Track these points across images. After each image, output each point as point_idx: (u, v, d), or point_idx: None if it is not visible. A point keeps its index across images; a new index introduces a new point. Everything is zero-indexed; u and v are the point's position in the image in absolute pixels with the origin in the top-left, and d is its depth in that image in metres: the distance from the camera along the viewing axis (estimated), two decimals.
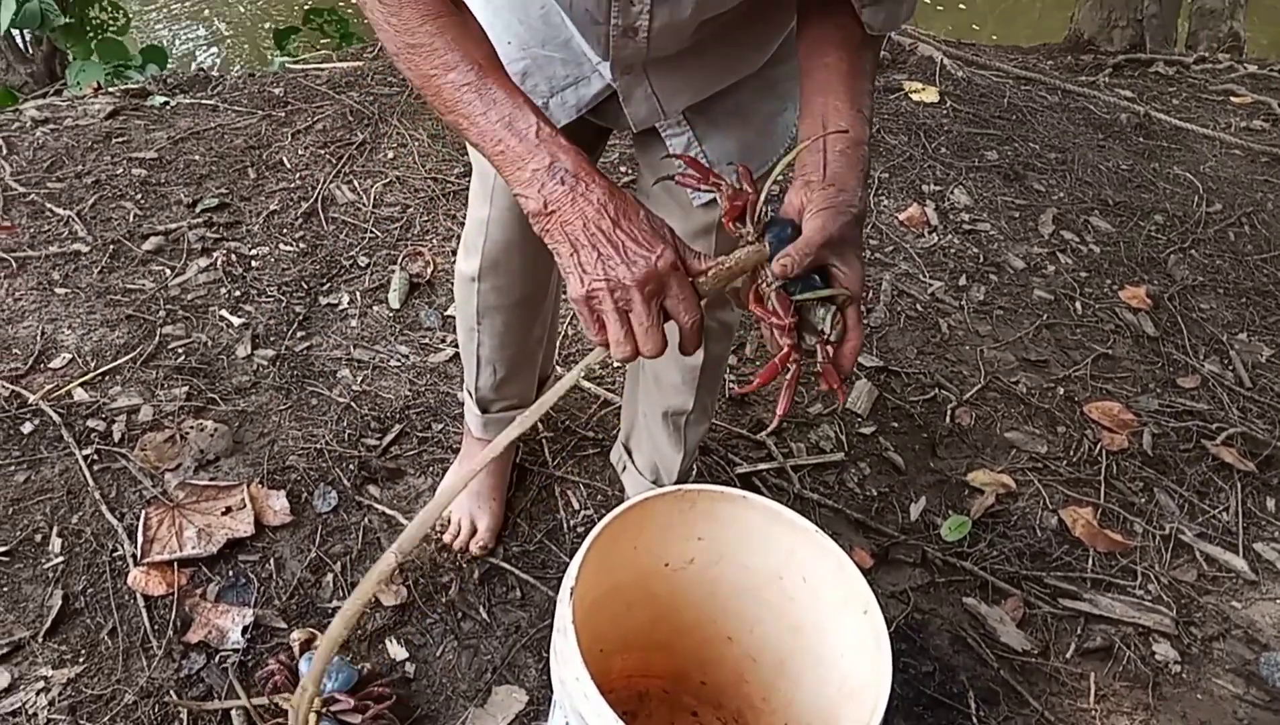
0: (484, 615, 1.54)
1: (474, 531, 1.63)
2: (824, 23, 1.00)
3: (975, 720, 1.53)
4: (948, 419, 2.09)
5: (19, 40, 3.75)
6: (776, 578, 1.25)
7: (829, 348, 0.91)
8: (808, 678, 1.25)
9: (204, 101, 2.83)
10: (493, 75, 0.90)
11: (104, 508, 1.59)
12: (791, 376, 0.93)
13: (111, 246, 2.14)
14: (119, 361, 1.85)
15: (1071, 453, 2.07)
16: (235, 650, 1.43)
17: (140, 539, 1.53)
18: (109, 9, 3.81)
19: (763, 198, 0.94)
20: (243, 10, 6.08)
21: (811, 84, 0.99)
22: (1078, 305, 2.50)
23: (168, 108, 2.78)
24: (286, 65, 3.27)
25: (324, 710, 1.28)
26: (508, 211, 1.35)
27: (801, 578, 1.22)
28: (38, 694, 1.37)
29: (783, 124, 1.26)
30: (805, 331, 0.92)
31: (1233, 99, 3.94)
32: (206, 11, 5.94)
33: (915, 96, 3.42)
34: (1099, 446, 2.08)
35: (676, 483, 1.61)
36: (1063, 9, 5.26)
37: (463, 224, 2.34)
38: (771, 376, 0.94)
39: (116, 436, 1.71)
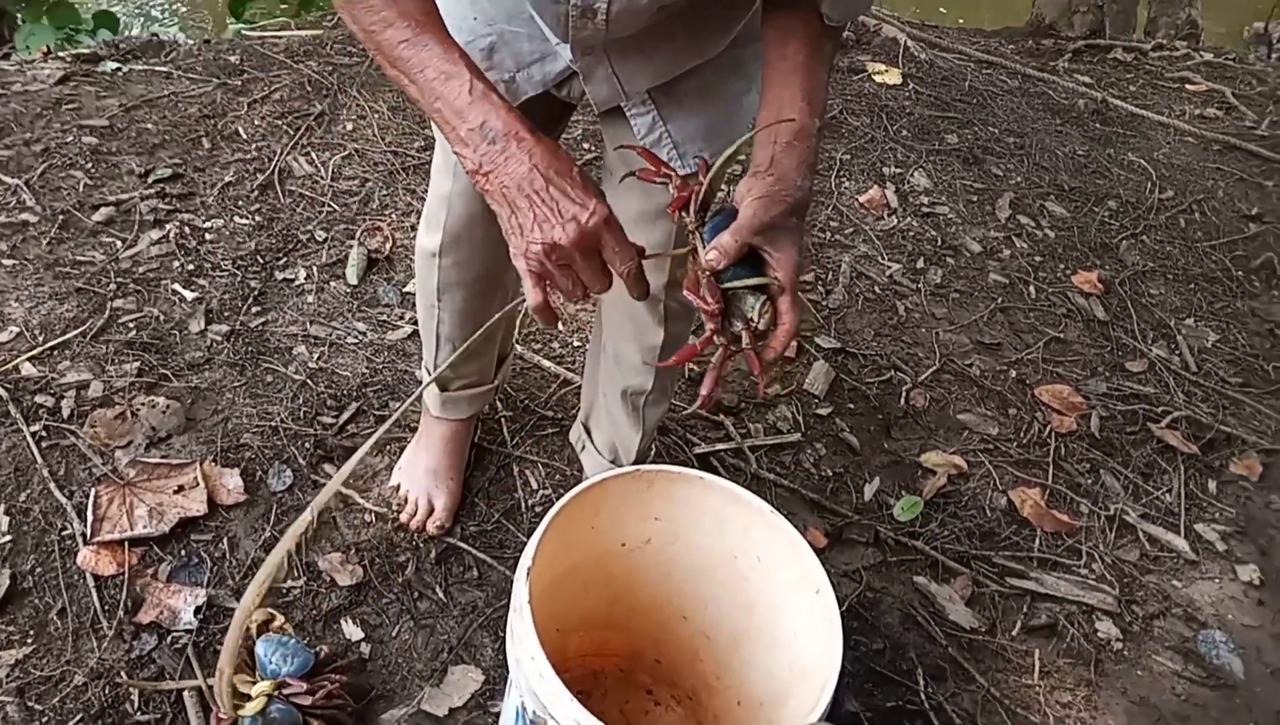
0: (440, 595, 1.55)
1: (431, 511, 1.62)
2: (787, 15, 1.02)
3: (924, 697, 1.56)
4: (903, 401, 2.12)
5: None
6: (731, 557, 1.26)
7: (754, 335, 0.94)
8: (761, 656, 1.27)
9: (157, 69, 2.76)
10: (430, 32, 0.91)
11: (52, 485, 1.57)
12: (718, 358, 0.96)
13: (61, 217, 2.09)
14: (68, 335, 1.82)
15: (1022, 434, 2.11)
16: (188, 631, 1.42)
17: (90, 518, 1.51)
18: None
19: (705, 187, 0.96)
20: None
21: (771, 75, 1.01)
22: (1031, 289, 2.55)
23: (120, 74, 2.71)
24: (243, 32, 3.20)
25: (276, 694, 1.27)
26: (471, 186, 1.34)
27: (756, 557, 1.24)
28: None
29: (748, 104, 1.26)
30: (735, 318, 0.94)
31: (1188, 86, 4.00)
32: None
33: (878, 78, 3.44)
34: (1048, 428, 2.13)
35: (635, 462, 1.62)
36: None
37: (422, 199, 2.32)
38: (690, 356, 0.99)
39: (65, 413, 1.68)
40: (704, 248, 0.94)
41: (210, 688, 1.30)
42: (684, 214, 0.97)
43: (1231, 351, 2.48)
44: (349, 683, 1.36)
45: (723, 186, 1.04)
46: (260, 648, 1.31)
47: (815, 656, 1.12)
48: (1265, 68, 4.44)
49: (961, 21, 5.66)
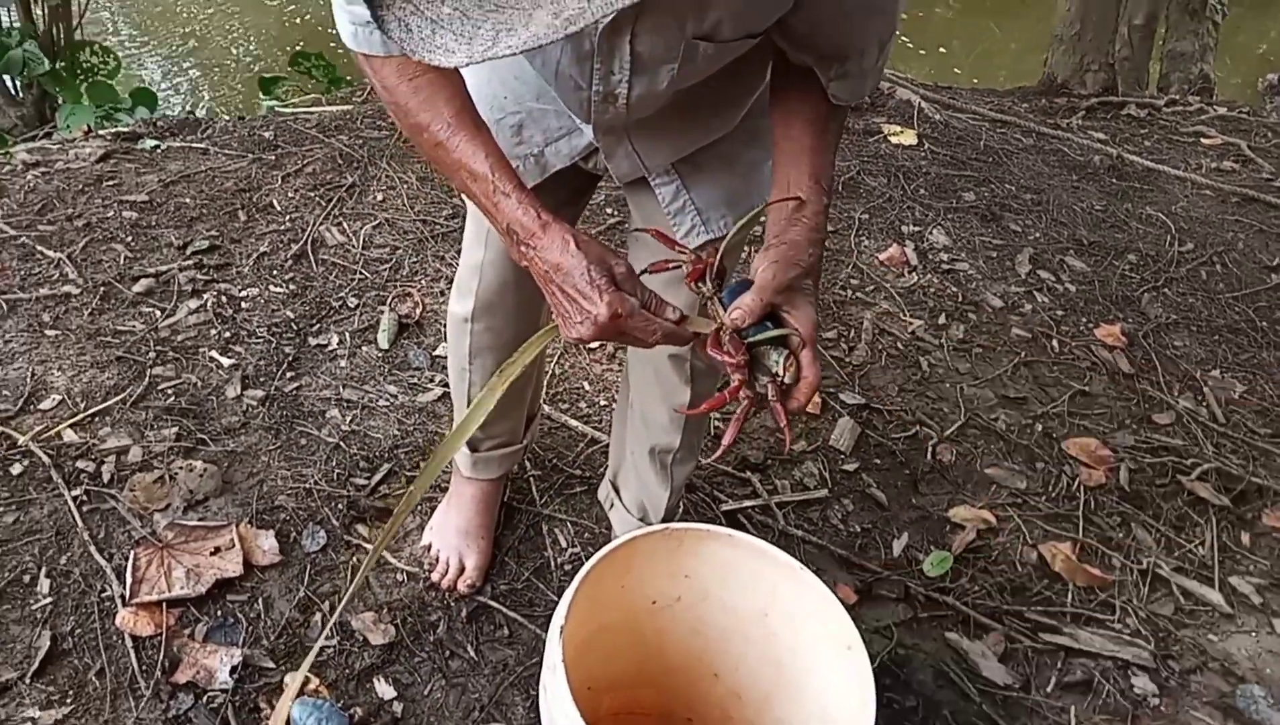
0: (472, 654, 1.55)
1: (461, 569, 1.64)
2: (793, 96, 1.08)
3: None
4: (929, 456, 2.13)
5: (9, 84, 3.78)
6: (762, 614, 1.27)
7: (780, 388, 0.99)
8: (792, 714, 1.27)
9: (194, 145, 2.86)
10: (461, 133, 0.98)
11: (93, 548, 1.60)
12: (741, 412, 1.00)
13: (102, 288, 2.16)
14: (109, 402, 1.87)
15: (1050, 488, 2.10)
16: (224, 690, 1.43)
17: (129, 579, 1.54)
18: (100, 53, 3.85)
19: (719, 258, 1.04)
20: (233, 53, 6.14)
21: (780, 156, 1.07)
22: (1054, 343, 2.56)
23: (158, 151, 2.81)
24: (276, 109, 3.31)
25: None
26: (503, 254, 1.39)
27: (786, 614, 1.24)
28: None
29: (767, 171, 1.30)
30: (759, 372, 0.99)
31: (1203, 140, 4.03)
32: (196, 56, 6.00)
33: (894, 139, 3.50)
34: (1077, 482, 2.12)
35: (663, 520, 1.64)
36: (1037, 51, 5.39)
37: (450, 265, 2.38)
38: (718, 405, 1.03)
39: (106, 477, 1.72)
40: (723, 310, 1.00)
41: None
42: (700, 284, 1.03)
43: (1259, 402, 2.47)
44: None
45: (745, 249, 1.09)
46: (295, 710, 1.33)
47: (848, 714, 1.12)
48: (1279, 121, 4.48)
49: (976, 82, 5.75)
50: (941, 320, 2.57)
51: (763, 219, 1.07)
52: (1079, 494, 2.09)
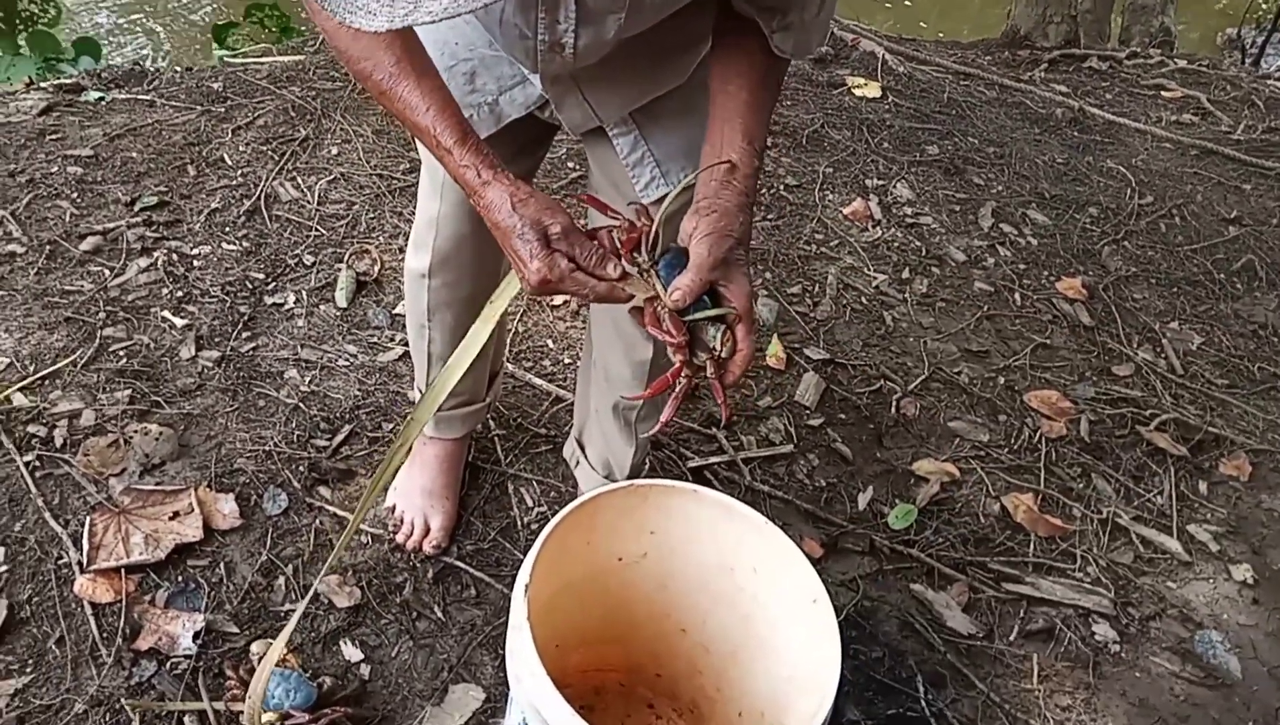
0: (439, 614, 1.54)
1: (427, 530, 1.62)
2: (732, 48, 1.06)
3: (924, 703, 1.57)
4: (893, 410, 2.14)
5: None
6: (728, 569, 1.27)
7: (719, 363, 1.01)
8: (759, 667, 1.27)
9: (140, 97, 2.77)
10: (404, 81, 0.97)
11: (47, 515, 1.56)
12: (681, 389, 1.03)
13: (48, 247, 2.09)
14: (59, 365, 1.81)
15: (1012, 440, 2.12)
16: (187, 656, 1.41)
17: (86, 546, 1.51)
18: (39, 1, 3.70)
19: (656, 227, 1.03)
20: (179, 2, 5.94)
21: (715, 110, 1.06)
22: (1017, 296, 2.57)
23: (103, 103, 2.71)
24: (225, 59, 3.21)
25: None
26: (458, 206, 1.35)
27: (752, 569, 1.24)
28: None
29: None
30: (698, 348, 1.01)
31: (1163, 93, 4.05)
32: (145, 3, 5.79)
33: (858, 91, 3.47)
34: (1038, 434, 2.14)
35: (629, 477, 1.63)
36: (1001, 4, 5.37)
37: (409, 221, 2.32)
38: (663, 388, 1.05)
39: (58, 442, 1.68)
40: (661, 285, 1.00)
41: (216, 711, 1.29)
42: (636, 254, 1.02)
43: (1216, 353, 2.51)
44: (352, 714, 1.35)
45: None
46: (275, 681, 1.31)
47: (814, 666, 1.12)
48: (1239, 73, 4.51)
49: (941, 35, 5.73)
50: (905, 274, 2.57)
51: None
52: (1040, 446, 2.11)
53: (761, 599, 1.25)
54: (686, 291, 0.98)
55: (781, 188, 2.82)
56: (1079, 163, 3.27)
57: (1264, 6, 7.25)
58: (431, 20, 0.71)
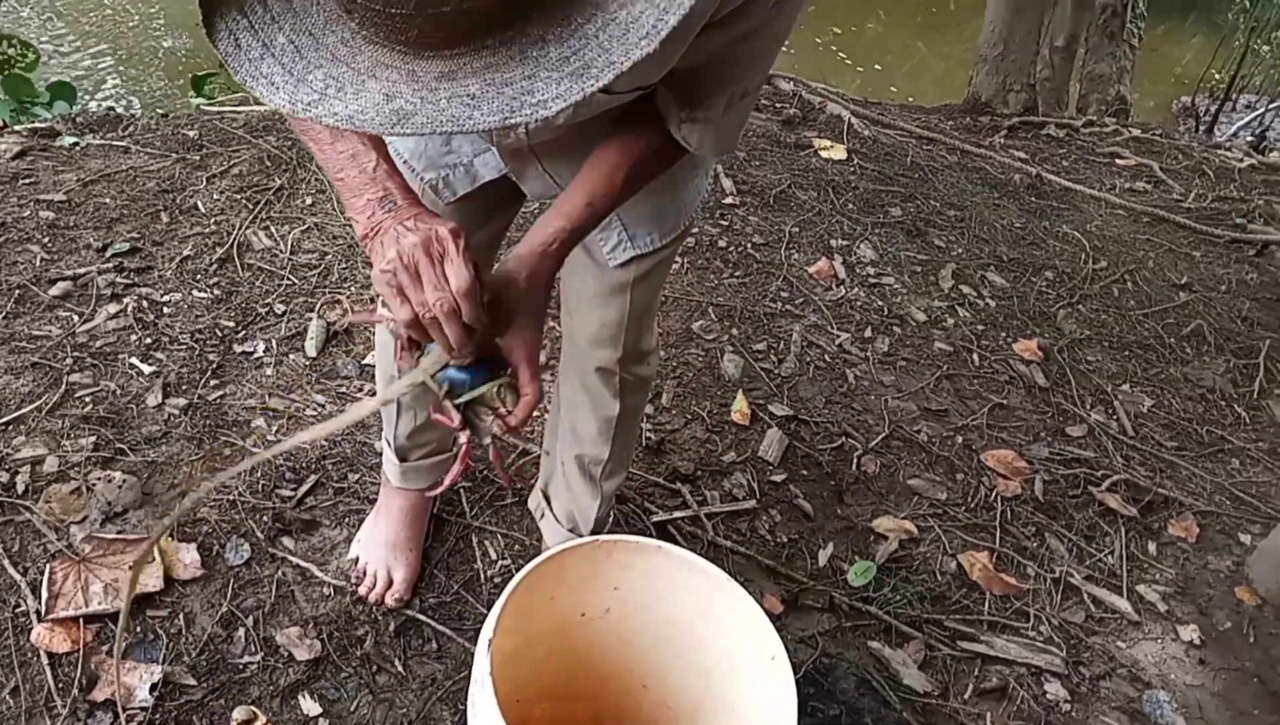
0: (399, 668, 1.55)
1: (390, 583, 1.63)
2: (635, 119, 1.06)
3: None
4: (854, 467, 2.18)
5: None
6: (690, 626, 1.29)
7: (506, 418, 1.01)
8: (719, 723, 1.29)
9: (115, 143, 2.79)
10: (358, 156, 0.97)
11: (6, 562, 1.55)
12: (463, 452, 1.03)
13: (17, 291, 2.09)
14: (23, 410, 1.81)
15: (969, 499, 2.17)
16: (143, 709, 1.40)
17: (44, 594, 1.50)
18: (17, 45, 3.72)
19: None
20: (156, 48, 5.98)
21: (585, 164, 1.07)
22: (975, 356, 2.63)
23: (78, 149, 2.73)
24: (202, 107, 3.24)
25: None
26: None
27: (713, 625, 1.27)
28: None
29: (694, 189, 1.32)
30: (484, 412, 1.02)
31: (1118, 161, 4.19)
32: (118, 50, 5.82)
33: (824, 153, 3.57)
34: (995, 493, 2.19)
35: (593, 531, 1.65)
36: (964, 68, 5.54)
37: None
38: (460, 475, 1.06)
39: (20, 488, 1.67)
40: (432, 381, 0.99)
41: None
42: (409, 354, 1.03)
43: (1166, 416, 2.58)
44: None
45: None
46: None
47: (770, 720, 1.14)
48: (1191, 142, 4.68)
49: (911, 99, 5.88)
50: (868, 333, 2.63)
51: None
52: (996, 504, 2.16)
53: (722, 654, 1.27)
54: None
55: (749, 246, 2.89)
56: (1036, 227, 3.37)
57: (1216, 76, 7.54)
58: (332, 121, 0.69)
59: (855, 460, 2.19)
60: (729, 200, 3.10)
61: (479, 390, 0.99)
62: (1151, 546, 2.15)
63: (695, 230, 2.75)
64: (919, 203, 3.36)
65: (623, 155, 1.05)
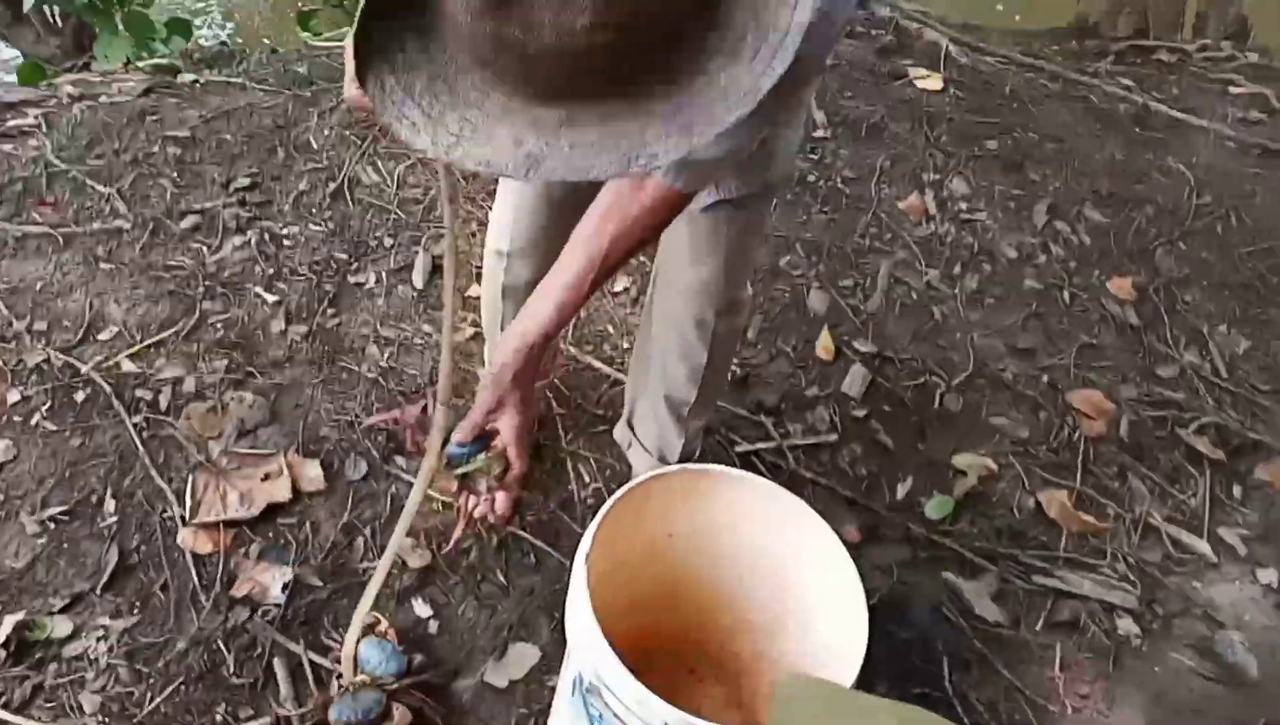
0: (501, 579, 1.69)
1: (493, 502, 1.76)
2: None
3: (949, 685, 1.67)
4: (937, 403, 2.22)
5: (47, 12, 3.83)
6: (769, 548, 1.38)
7: (500, 480, 1.28)
8: (795, 638, 1.39)
9: (232, 80, 2.93)
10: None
11: (153, 472, 1.73)
12: (467, 512, 1.34)
13: (151, 224, 2.27)
14: (163, 335, 1.99)
15: (1052, 438, 2.20)
16: (276, 605, 1.58)
17: (188, 501, 1.68)
18: None
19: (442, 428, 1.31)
20: None
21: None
22: (1066, 295, 2.62)
23: (197, 86, 2.88)
24: (309, 42, 3.37)
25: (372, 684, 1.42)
26: (539, 199, 1.47)
27: (792, 551, 1.36)
28: (97, 641, 1.52)
29: (786, 145, 1.36)
30: (479, 479, 1.29)
31: (1231, 89, 4.00)
32: None
33: (920, 83, 3.51)
34: (1078, 432, 2.21)
35: (680, 461, 1.75)
36: None
37: (482, 206, 2.45)
38: (463, 533, 1.37)
39: (163, 406, 1.85)
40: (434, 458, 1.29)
41: (311, 662, 1.45)
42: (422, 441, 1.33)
43: (1264, 358, 2.54)
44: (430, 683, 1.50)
45: None
46: (363, 648, 1.46)
47: (843, 639, 1.23)
48: None
49: (1019, 19, 5.62)
50: (956, 270, 2.64)
51: None
52: (1079, 444, 2.18)
53: (798, 577, 1.36)
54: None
55: (839, 181, 2.90)
56: (1139, 160, 3.28)
57: None
58: (472, 166, 0.76)
59: (938, 397, 2.23)
60: (819, 133, 3.10)
61: (470, 466, 1.26)
62: (1237, 490, 2.15)
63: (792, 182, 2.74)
64: (1017, 135, 3.29)
65: (614, 221, 1.15)
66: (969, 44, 3.92)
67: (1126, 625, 1.83)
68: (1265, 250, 2.94)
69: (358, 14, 0.79)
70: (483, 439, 1.25)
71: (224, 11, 5.68)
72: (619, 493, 1.27)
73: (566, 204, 1.44)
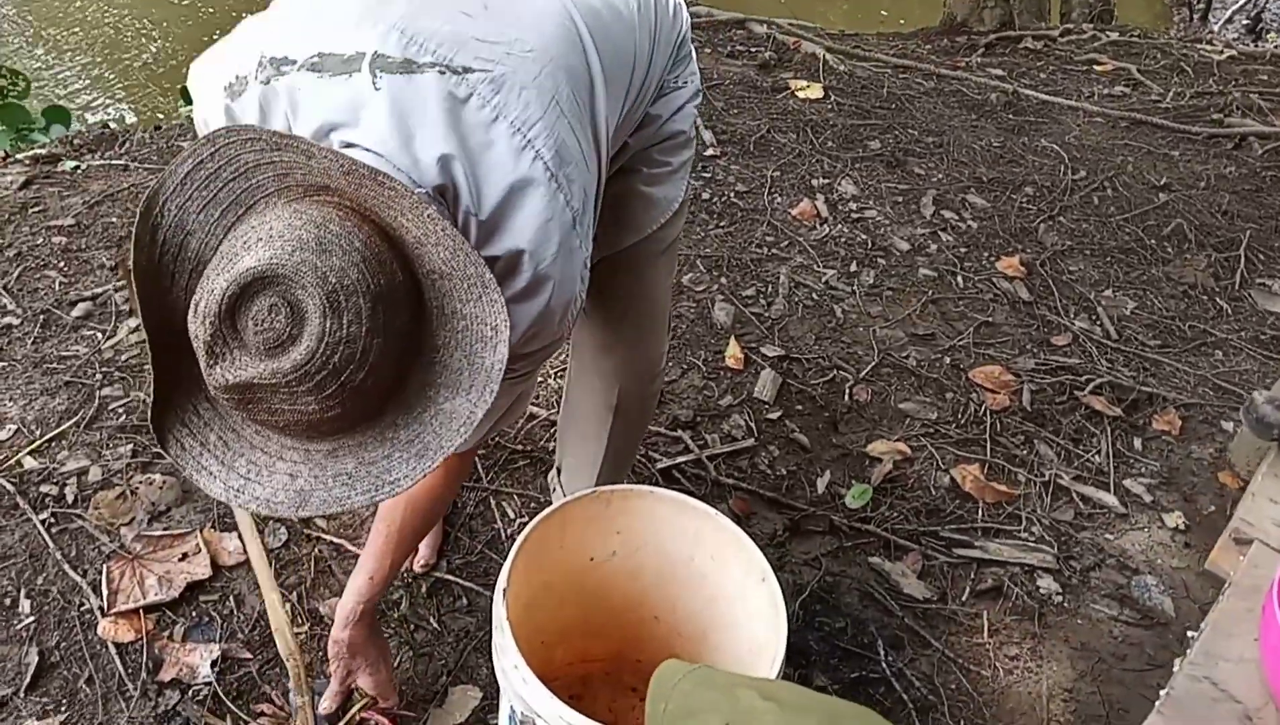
0: (435, 624, 1.68)
1: (416, 550, 1.76)
2: None
3: (884, 665, 1.71)
4: (847, 397, 2.28)
5: None
6: (689, 559, 1.41)
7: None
8: (725, 643, 1.42)
9: (114, 162, 2.90)
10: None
11: (66, 566, 1.69)
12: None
13: (42, 316, 2.22)
14: (64, 427, 1.95)
15: (959, 416, 2.27)
16: (207, 684, 1.55)
17: (105, 592, 1.64)
18: (7, 75, 3.82)
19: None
20: (147, 52, 6.05)
21: None
22: (959, 279, 2.72)
23: (79, 172, 2.84)
24: (191, 116, 3.34)
25: None
26: None
27: (709, 556, 1.39)
28: None
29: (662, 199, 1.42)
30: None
31: (1096, 68, 4.22)
32: (103, 68, 5.90)
33: (801, 94, 3.63)
34: (984, 407, 2.30)
35: None
36: None
37: None
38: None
39: (70, 498, 1.81)
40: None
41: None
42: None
43: (1149, 316, 2.67)
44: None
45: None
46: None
47: (767, 635, 1.27)
48: (1170, 40, 4.69)
49: (903, 21, 5.81)
50: (853, 268, 2.72)
51: None
52: (985, 418, 2.27)
53: (720, 582, 1.39)
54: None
55: (732, 195, 2.97)
56: (1014, 144, 3.43)
57: None
58: (254, 507, 0.95)
59: (847, 391, 2.30)
60: (710, 151, 3.18)
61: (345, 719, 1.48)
62: (1137, 442, 2.25)
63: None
64: (897, 133, 3.42)
65: (396, 501, 1.33)
66: (845, 52, 4.06)
67: (1047, 584, 1.90)
68: (1140, 215, 3.09)
69: (149, 392, 1.01)
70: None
71: (109, 95, 5.60)
72: (532, 523, 1.29)
73: None
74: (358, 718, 1.48)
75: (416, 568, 1.75)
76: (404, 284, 0.92)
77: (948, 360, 2.43)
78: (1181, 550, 2.00)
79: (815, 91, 3.65)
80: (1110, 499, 2.09)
